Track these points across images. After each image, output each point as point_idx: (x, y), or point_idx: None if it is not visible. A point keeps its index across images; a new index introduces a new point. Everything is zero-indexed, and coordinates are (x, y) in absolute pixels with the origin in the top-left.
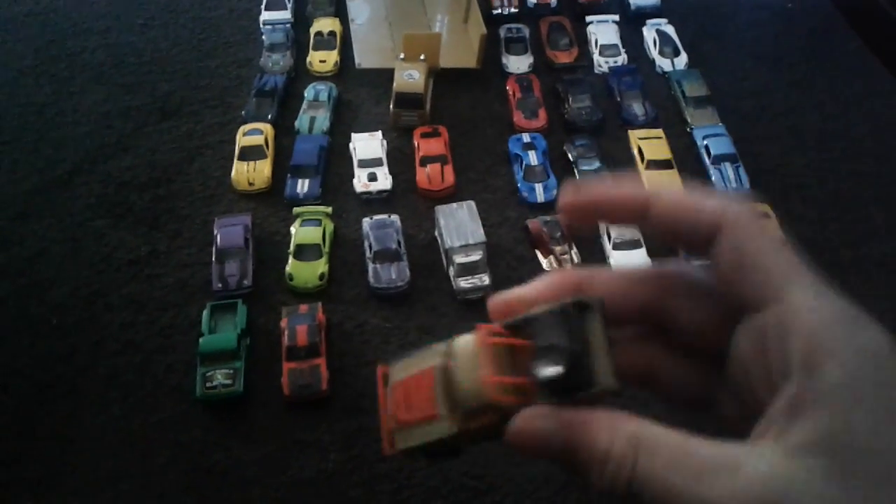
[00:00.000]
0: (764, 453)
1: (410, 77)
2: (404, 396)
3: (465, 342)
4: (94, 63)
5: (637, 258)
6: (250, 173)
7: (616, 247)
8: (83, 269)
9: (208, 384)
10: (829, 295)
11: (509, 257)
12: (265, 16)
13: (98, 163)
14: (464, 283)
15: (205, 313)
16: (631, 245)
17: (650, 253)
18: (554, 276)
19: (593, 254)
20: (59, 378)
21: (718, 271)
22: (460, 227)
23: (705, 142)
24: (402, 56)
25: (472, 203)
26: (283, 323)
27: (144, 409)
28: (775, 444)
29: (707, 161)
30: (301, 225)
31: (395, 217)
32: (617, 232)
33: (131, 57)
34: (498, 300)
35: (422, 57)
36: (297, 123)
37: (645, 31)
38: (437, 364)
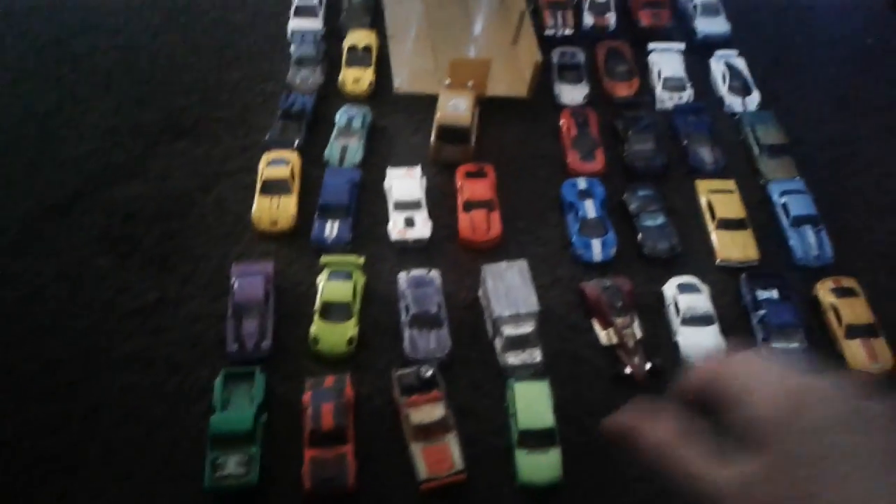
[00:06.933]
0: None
1: (456, 108)
2: None
3: None
4: (102, 68)
5: (708, 336)
6: (273, 210)
7: (685, 322)
8: (82, 318)
9: (218, 473)
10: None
11: (561, 326)
12: (294, 24)
13: (102, 188)
14: (512, 358)
15: (217, 383)
16: (702, 321)
17: (724, 331)
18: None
19: (658, 327)
20: (52, 452)
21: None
22: (510, 292)
23: (783, 199)
24: (447, 82)
25: (524, 263)
26: (306, 398)
27: (145, 498)
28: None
29: (785, 222)
30: (329, 278)
31: (434, 273)
32: (686, 303)
33: (144, 62)
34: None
35: (469, 84)
36: (326, 153)
37: (713, 62)
38: None
